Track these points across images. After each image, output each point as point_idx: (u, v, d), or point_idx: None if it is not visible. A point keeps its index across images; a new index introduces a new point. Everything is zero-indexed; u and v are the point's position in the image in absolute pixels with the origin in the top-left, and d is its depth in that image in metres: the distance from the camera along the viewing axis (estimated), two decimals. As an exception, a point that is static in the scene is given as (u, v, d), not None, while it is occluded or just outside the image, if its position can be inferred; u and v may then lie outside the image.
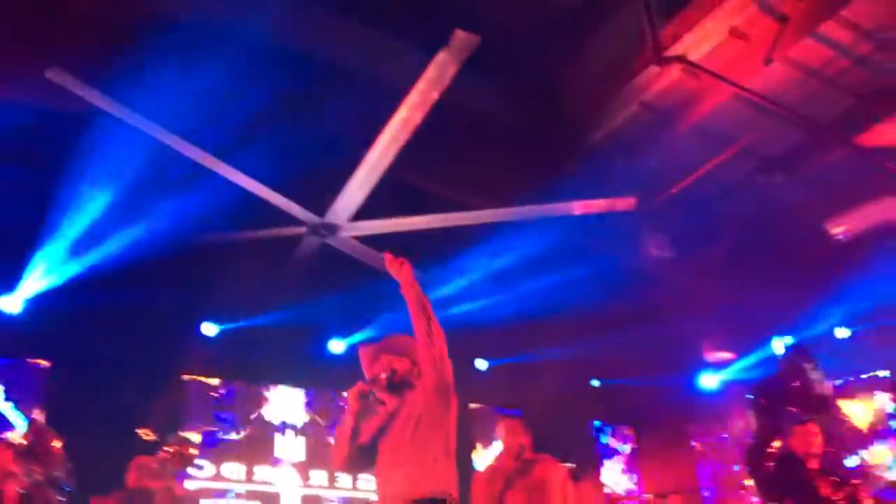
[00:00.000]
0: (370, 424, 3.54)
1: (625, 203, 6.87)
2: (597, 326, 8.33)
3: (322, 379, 8.63)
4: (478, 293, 7.79)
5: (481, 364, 9.11)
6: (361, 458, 3.55)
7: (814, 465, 5.35)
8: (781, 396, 6.30)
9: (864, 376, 8.92)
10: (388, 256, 3.74)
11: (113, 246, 6.75)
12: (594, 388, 9.75)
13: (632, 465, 10.10)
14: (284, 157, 6.82)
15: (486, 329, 8.25)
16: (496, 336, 8.58)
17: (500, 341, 8.77)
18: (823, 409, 6.00)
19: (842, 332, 8.70)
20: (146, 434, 7.07)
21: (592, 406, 9.83)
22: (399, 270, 3.67)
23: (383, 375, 3.57)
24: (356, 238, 7.22)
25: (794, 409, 5.74)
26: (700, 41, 6.22)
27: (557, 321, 8.06)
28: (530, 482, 4.92)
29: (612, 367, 9.31)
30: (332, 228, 7.10)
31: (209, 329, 8.19)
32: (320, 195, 6.91)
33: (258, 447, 8.43)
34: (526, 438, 5.12)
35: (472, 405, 9.10)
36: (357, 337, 8.40)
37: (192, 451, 5.94)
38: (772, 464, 5.52)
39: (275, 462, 8.43)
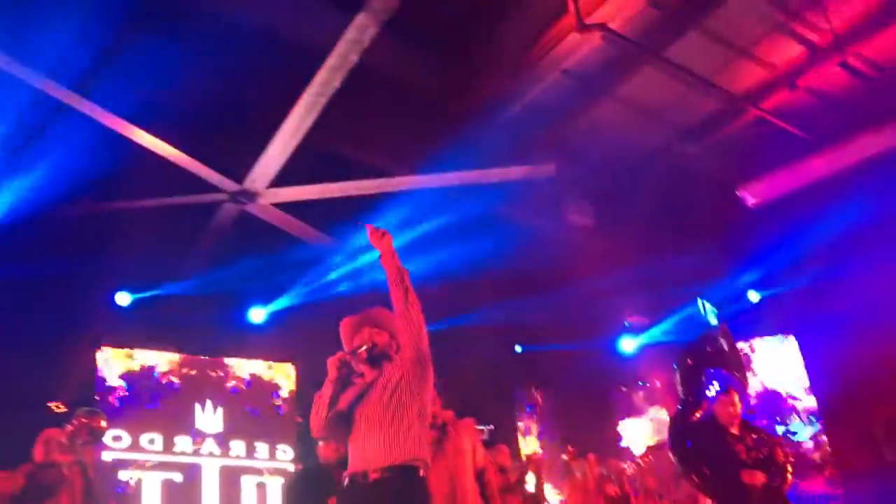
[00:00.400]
0: (347, 393, 3.59)
1: (544, 170, 6.92)
2: (519, 292, 8.41)
3: (242, 348, 8.51)
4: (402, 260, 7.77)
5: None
6: (338, 424, 3.57)
7: (734, 430, 5.53)
8: (704, 360, 6.48)
9: (772, 337, 9.26)
10: (369, 228, 3.72)
11: (24, 212, 6.51)
12: (517, 353, 9.86)
13: (552, 427, 10.29)
14: (201, 124, 6.69)
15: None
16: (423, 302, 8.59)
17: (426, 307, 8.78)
18: (742, 371, 6.18)
19: (753, 296, 9.00)
20: (57, 407, 6.87)
21: (515, 371, 9.94)
22: (380, 241, 3.68)
23: (364, 348, 3.62)
24: (275, 205, 7.12)
25: (719, 374, 5.87)
26: (620, 9, 6.27)
27: (479, 288, 8.12)
28: (447, 447, 4.93)
29: (535, 332, 9.43)
30: (251, 196, 6.98)
31: (123, 298, 7.97)
32: (239, 162, 6.78)
33: (177, 418, 8.29)
34: (442, 410, 5.17)
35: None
36: (278, 304, 8.29)
37: (103, 423, 5.75)
38: (694, 432, 5.66)
39: (195, 433, 8.32)
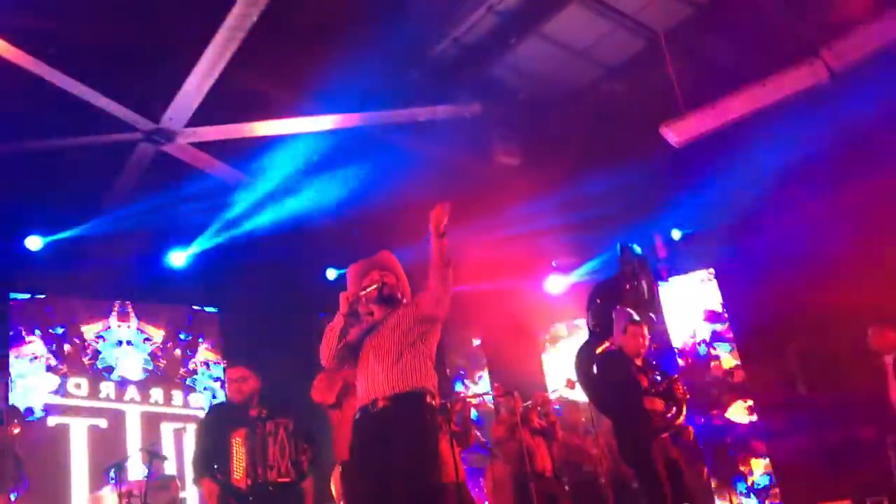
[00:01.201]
0: (356, 328, 3.79)
1: (468, 109, 6.85)
2: (445, 233, 8.37)
3: (160, 292, 8.31)
4: (323, 199, 7.64)
5: (331, 274, 9.02)
6: (347, 355, 3.76)
7: (639, 362, 5.69)
8: (616, 297, 6.60)
9: (691, 273, 9.47)
10: (441, 207, 3.80)
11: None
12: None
13: (482, 366, 10.42)
14: (115, 62, 6.41)
15: (335, 237, 8.16)
16: (345, 244, 8.50)
17: (349, 249, 8.69)
18: (652, 308, 6.32)
19: (675, 234, 9.16)
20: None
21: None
22: (440, 219, 3.76)
23: (374, 287, 3.82)
24: (193, 144, 6.90)
25: (627, 309, 5.98)
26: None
27: (405, 227, 8.04)
28: None
29: (461, 272, 9.44)
30: (168, 135, 6.76)
31: (34, 243, 7.67)
32: (155, 101, 6.54)
33: (99, 365, 8.13)
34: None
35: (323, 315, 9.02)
36: (198, 246, 8.08)
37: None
38: (600, 361, 5.79)
39: (118, 380, 8.17)
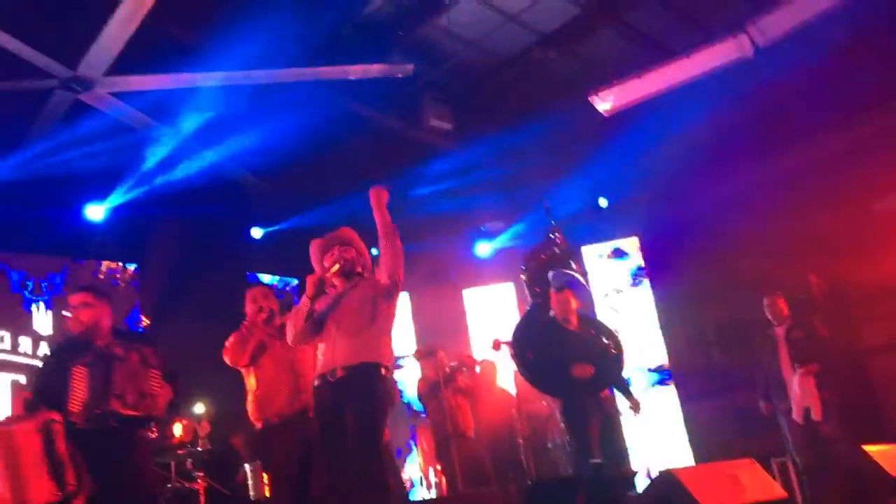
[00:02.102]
0: (319, 302, 4.09)
1: (402, 69, 6.77)
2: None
3: (78, 247, 8.03)
4: (248, 157, 7.49)
5: (256, 233, 8.88)
6: (312, 331, 4.10)
7: (571, 326, 5.79)
8: (543, 264, 6.68)
9: (616, 241, 9.65)
10: (374, 190, 4.20)
11: None
12: (373, 255, 9.83)
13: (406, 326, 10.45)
14: (32, 5, 6.12)
15: (259, 196, 8.02)
16: (270, 203, 8.37)
17: (273, 208, 8.57)
18: (578, 271, 6.41)
19: (602, 201, 9.31)
20: None
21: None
22: (379, 197, 4.17)
23: (336, 267, 4.14)
24: (112, 94, 6.65)
25: (558, 274, 6.07)
26: None
27: (333, 188, 7.96)
28: (282, 346, 4.92)
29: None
30: (86, 83, 6.49)
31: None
32: (73, 48, 6.26)
33: (14, 319, 7.86)
34: (274, 304, 5.11)
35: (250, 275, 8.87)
36: (116, 200, 7.81)
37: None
38: (533, 325, 5.88)
39: (35, 335, 7.92)
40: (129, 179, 7.64)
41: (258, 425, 4.94)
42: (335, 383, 3.91)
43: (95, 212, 7.91)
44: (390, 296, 4.06)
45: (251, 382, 4.98)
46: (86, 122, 6.84)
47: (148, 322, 8.13)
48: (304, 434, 4.78)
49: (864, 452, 5.30)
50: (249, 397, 4.98)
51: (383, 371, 3.95)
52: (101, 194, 7.86)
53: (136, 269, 8.33)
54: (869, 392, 7.77)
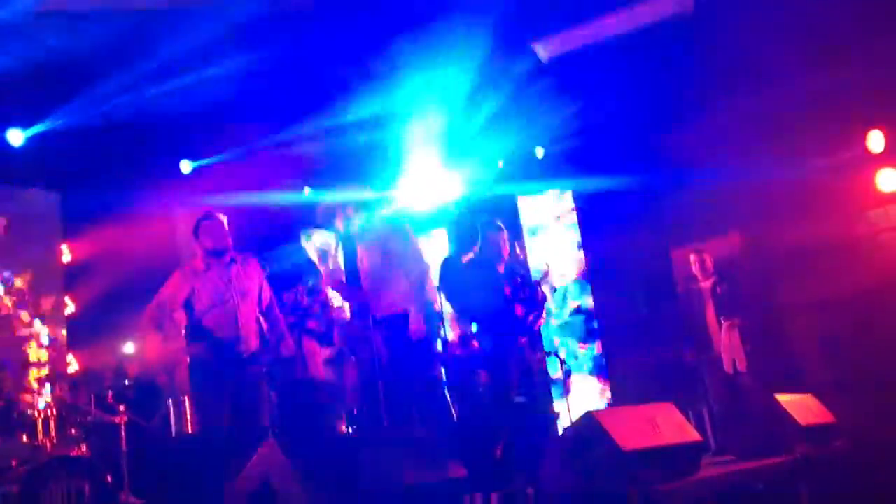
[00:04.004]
0: None
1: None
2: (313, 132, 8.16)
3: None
4: (177, 86, 7.21)
5: (186, 166, 8.62)
6: None
7: (501, 269, 5.83)
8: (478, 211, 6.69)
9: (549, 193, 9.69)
10: None
11: None
12: (305, 195, 9.66)
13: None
14: None
15: (188, 127, 7.78)
16: (200, 135, 8.13)
17: (204, 140, 8.33)
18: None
19: (539, 151, 9.31)
20: None
21: (303, 213, 9.76)
22: None
23: None
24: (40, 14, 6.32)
25: (490, 222, 6.07)
26: None
27: (268, 120, 7.77)
28: (231, 279, 5.05)
29: (324, 174, 9.24)
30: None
31: None
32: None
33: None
34: (228, 240, 5.14)
35: (181, 210, 8.64)
36: (40, 127, 7.47)
37: None
38: (464, 270, 5.89)
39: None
40: (57, 107, 7.29)
41: (186, 359, 4.93)
42: None
43: (15, 136, 7.54)
44: None
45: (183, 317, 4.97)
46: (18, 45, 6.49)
47: (71, 255, 7.91)
48: (237, 376, 4.81)
49: (777, 402, 5.52)
50: (184, 331, 4.95)
51: None
52: (25, 120, 7.49)
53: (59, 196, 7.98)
54: (784, 347, 8.05)
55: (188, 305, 5.03)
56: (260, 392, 5.10)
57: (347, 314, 7.68)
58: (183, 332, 5.10)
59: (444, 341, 5.75)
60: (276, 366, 6.31)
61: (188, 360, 5.20)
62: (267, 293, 5.32)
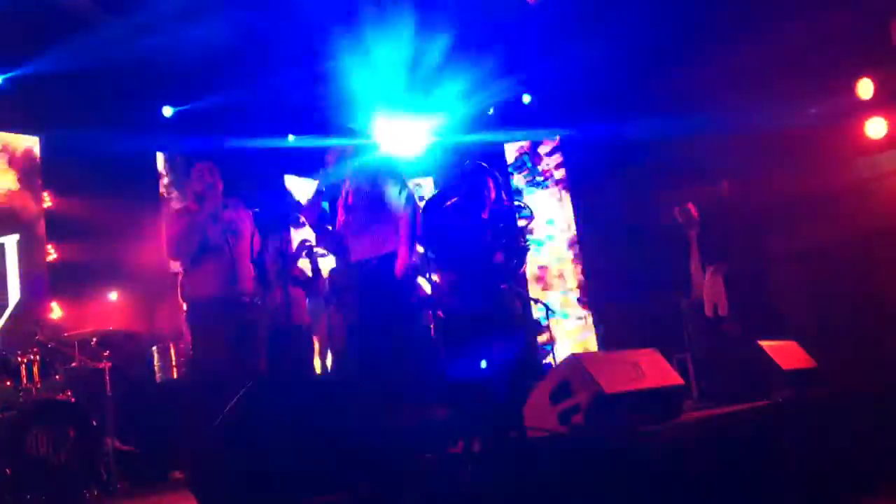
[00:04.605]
0: None
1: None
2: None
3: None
4: (163, 31, 7.07)
5: (167, 111, 8.49)
6: None
7: (485, 214, 5.78)
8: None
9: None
10: None
11: None
12: (288, 141, 9.54)
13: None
14: None
15: (170, 72, 7.65)
16: (182, 80, 8.00)
17: (186, 86, 8.19)
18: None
19: (526, 97, 9.22)
20: None
21: (285, 161, 9.66)
22: None
23: None
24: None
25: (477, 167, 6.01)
26: None
27: (249, 65, 7.64)
28: (225, 222, 5.07)
29: (308, 122, 9.13)
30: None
31: None
32: None
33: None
34: (219, 183, 5.14)
35: (160, 154, 8.52)
36: (20, 70, 7.30)
37: None
38: (446, 214, 5.85)
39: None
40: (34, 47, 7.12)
41: (184, 305, 4.91)
42: None
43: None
44: None
45: (183, 268, 4.95)
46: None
47: (52, 201, 7.80)
48: (236, 318, 4.80)
49: (759, 346, 5.56)
50: (181, 277, 4.93)
51: None
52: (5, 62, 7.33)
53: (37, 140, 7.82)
54: (768, 294, 8.09)
55: (182, 245, 5.05)
56: (257, 335, 5.16)
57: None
58: (180, 275, 5.11)
59: (433, 284, 5.67)
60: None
61: (185, 303, 5.19)
62: (257, 240, 5.35)
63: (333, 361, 7.26)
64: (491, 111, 9.34)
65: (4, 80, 7.31)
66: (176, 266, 5.33)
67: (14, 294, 7.22)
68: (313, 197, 5.34)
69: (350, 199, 5.40)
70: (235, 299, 4.99)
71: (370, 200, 5.30)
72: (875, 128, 7.64)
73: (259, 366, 5.06)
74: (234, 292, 4.99)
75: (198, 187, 5.10)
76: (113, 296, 7.50)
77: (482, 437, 4.23)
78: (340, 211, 5.41)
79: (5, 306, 7.07)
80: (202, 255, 5.00)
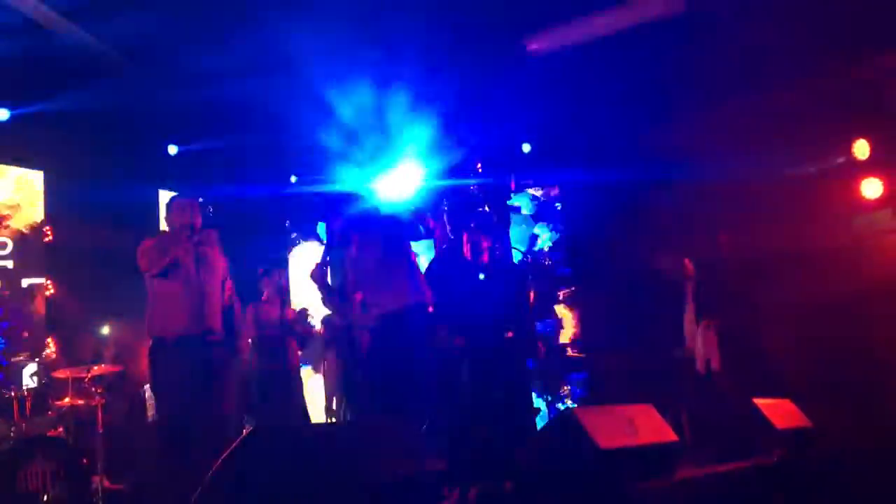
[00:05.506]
0: None
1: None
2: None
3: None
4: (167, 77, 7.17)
5: (172, 149, 8.58)
6: None
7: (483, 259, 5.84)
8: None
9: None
10: None
11: None
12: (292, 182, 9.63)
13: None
14: None
15: (177, 112, 7.75)
16: (188, 121, 8.10)
17: (192, 126, 8.29)
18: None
19: (525, 147, 9.31)
20: None
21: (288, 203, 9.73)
22: None
23: None
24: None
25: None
26: None
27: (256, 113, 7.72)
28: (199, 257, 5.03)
29: (310, 166, 9.20)
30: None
31: None
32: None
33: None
34: (198, 219, 5.09)
35: (162, 191, 8.58)
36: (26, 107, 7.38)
37: None
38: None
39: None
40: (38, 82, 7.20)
41: (149, 340, 4.85)
42: None
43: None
44: None
45: (153, 295, 4.88)
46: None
47: (52, 236, 7.83)
48: (201, 357, 4.75)
49: (754, 404, 5.54)
50: (148, 310, 4.88)
51: None
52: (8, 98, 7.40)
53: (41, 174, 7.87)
54: (763, 350, 8.09)
55: (153, 254, 4.92)
56: (224, 379, 5.01)
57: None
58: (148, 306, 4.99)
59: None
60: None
61: (150, 338, 5.00)
62: (229, 285, 5.25)
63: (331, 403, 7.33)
64: (479, 167, 9.40)
65: (11, 115, 7.36)
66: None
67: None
68: (321, 260, 5.30)
69: (359, 252, 5.29)
70: (202, 338, 4.84)
71: (383, 248, 5.21)
72: (871, 188, 7.72)
73: (225, 411, 4.95)
74: (201, 328, 4.84)
75: (177, 221, 5.03)
76: (105, 330, 7.47)
77: (477, 488, 4.21)
78: (350, 266, 5.35)
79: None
80: (171, 271, 4.85)
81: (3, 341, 7.08)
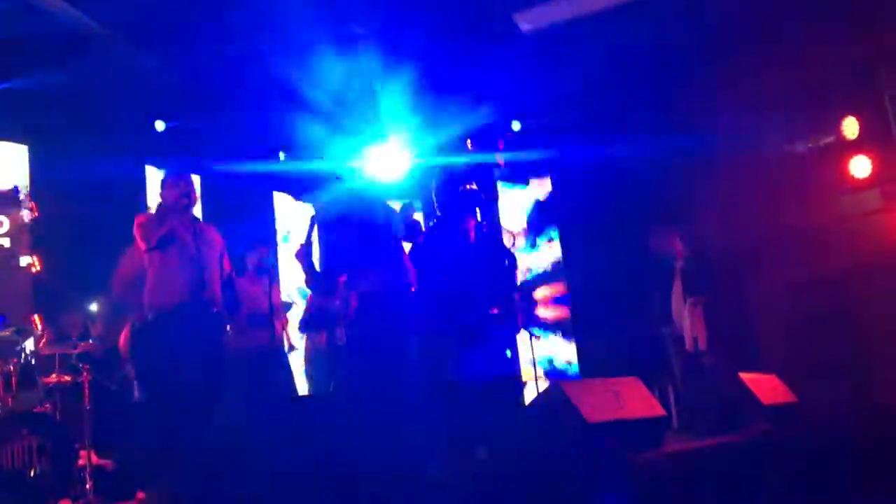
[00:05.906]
0: None
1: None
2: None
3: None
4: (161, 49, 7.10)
5: (159, 125, 8.49)
6: None
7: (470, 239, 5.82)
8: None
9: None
10: None
11: None
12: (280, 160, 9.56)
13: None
14: None
15: (163, 88, 7.67)
16: (175, 96, 8.02)
17: (179, 101, 8.21)
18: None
19: (515, 125, 9.27)
20: None
21: (277, 179, 9.65)
22: None
23: None
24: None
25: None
26: None
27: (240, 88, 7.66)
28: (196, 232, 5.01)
29: (298, 143, 9.13)
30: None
31: None
32: None
33: None
34: (194, 195, 5.09)
35: (149, 167, 8.49)
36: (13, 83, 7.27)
37: None
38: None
39: None
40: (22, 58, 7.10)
41: (150, 314, 4.83)
42: None
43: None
44: None
45: (152, 270, 4.87)
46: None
47: (36, 213, 7.76)
48: (201, 327, 4.74)
49: (740, 379, 5.59)
50: (147, 285, 4.86)
51: None
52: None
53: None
54: (749, 328, 8.15)
55: (151, 227, 4.92)
56: (220, 348, 5.04)
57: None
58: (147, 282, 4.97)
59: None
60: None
61: (150, 313, 4.98)
62: (227, 263, 5.24)
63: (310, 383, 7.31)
64: (469, 144, 9.36)
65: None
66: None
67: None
68: (306, 242, 5.31)
69: (343, 231, 5.27)
70: (204, 309, 4.84)
71: (368, 229, 5.19)
72: (859, 166, 7.73)
73: (220, 386, 4.94)
74: (201, 299, 4.84)
75: (171, 196, 4.99)
76: (94, 307, 7.43)
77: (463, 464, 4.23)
78: (334, 246, 5.35)
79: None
80: (169, 245, 4.84)
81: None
